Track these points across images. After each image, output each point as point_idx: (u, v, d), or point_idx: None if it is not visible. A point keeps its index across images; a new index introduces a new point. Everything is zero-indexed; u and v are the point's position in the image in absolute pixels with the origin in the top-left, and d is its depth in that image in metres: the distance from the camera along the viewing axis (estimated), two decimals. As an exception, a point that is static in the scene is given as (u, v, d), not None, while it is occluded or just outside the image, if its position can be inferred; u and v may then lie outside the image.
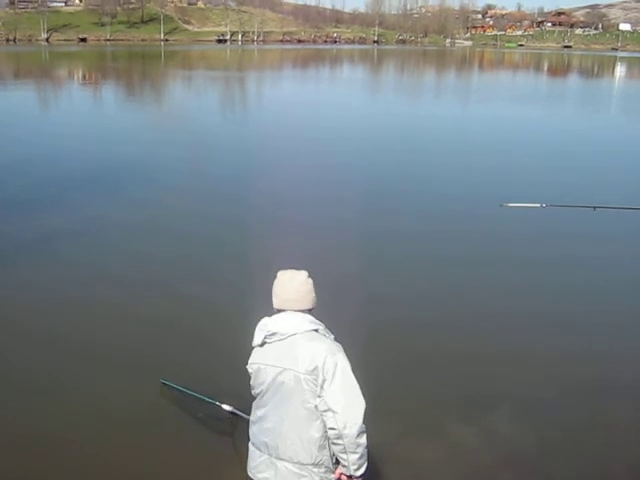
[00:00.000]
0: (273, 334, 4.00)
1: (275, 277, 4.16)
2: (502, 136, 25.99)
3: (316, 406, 3.90)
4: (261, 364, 4.06)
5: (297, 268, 4.20)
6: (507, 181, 17.30)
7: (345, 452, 3.89)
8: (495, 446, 6.24)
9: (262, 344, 4.06)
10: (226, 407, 6.31)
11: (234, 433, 6.12)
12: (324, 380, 3.85)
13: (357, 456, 3.90)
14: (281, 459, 4.02)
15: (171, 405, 6.76)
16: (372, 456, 5.59)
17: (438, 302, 9.54)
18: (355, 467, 3.92)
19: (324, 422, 3.91)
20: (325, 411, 3.87)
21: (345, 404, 3.83)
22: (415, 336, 8.36)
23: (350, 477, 3.98)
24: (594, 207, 11.09)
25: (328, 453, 3.99)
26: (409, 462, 5.99)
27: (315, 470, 3.99)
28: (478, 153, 21.59)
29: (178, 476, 5.80)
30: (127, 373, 7.31)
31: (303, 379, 3.89)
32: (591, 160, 21.50)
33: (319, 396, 3.88)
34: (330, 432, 3.88)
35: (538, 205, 11.10)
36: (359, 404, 3.87)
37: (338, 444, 3.88)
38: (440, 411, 6.76)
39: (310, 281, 4.13)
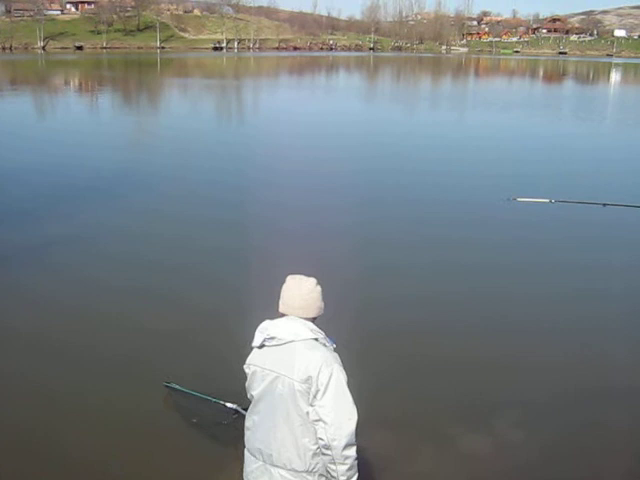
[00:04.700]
0: (272, 338, 3.99)
1: (284, 281, 4.14)
2: (502, 142, 26.12)
3: (308, 413, 3.88)
4: (258, 367, 4.06)
5: (307, 274, 4.17)
6: (514, 182, 17.46)
7: (334, 463, 3.88)
8: (496, 454, 6.22)
9: (261, 346, 4.05)
10: (230, 405, 6.35)
11: (238, 432, 6.02)
12: (317, 390, 3.84)
13: (345, 467, 3.88)
14: (275, 466, 4.01)
15: (174, 407, 6.79)
16: (373, 466, 5.58)
17: (438, 309, 9.52)
18: (344, 478, 3.92)
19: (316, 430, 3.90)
20: (316, 421, 3.87)
21: (335, 416, 3.82)
22: (415, 343, 8.35)
23: None
24: (604, 204, 11.02)
25: (322, 461, 3.96)
26: (411, 471, 5.96)
27: (309, 477, 3.98)
28: (483, 160, 21.69)
29: (181, 476, 5.82)
30: (129, 378, 7.32)
31: (297, 387, 3.88)
32: (590, 164, 21.63)
33: (311, 405, 3.87)
34: (319, 442, 3.89)
35: (547, 200, 11.07)
36: (350, 417, 3.85)
37: (327, 454, 3.88)
38: (441, 419, 6.75)
39: (318, 289, 4.10)
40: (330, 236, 12.50)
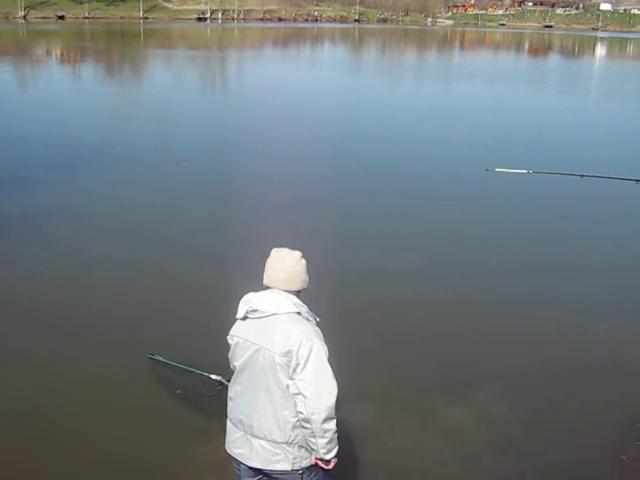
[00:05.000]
0: (254, 311, 4.03)
1: (269, 254, 4.16)
2: (485, 114, 26.14)
3: (288, 386, 3.92)
4: (241, 338, 4.10)
5: (289, 246, 4.20)
6: (494, 153, 17.58)
7: (313, 436, 3.92)
8: (478, 427, 6.29)
9: (244, 318, 4.09)
10: (214, 377, 6.40)
11: (222, 403, 6.09)
12: (297, 364, 3.87)
13: (325, 440, 3.93)
14: (256, 437, 4.06)
15: (159, 378, 6.86)
16: (354, 438, 5.66)
17: (421, 280, 9.59)
18: (324, 451, 3.96)
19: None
20: (296, 394, 3.89)
21: (314, 390, 3.85)
22: (397, 315, 8.45)
23: (322, 460, 4.01)
24: (581, 175, 11.10)
25: (302, 433, 3.99)
26: (392, 444, 6.03)
27: (289, 449, 4.01)
28: (463, 131, 21.67)
29: (166, 447, 5.86)
30: (114, 350, 7.35)
31: (277, 360, 3.91)
32: (571, 137, 21.70)
33: (291, 379, 3.90)
34: (299, 415, 3.91)
35: (525, 171, 11.13)
36: (330, 391, 3.88)
37: (306, 427, 3.91)
38: (422, 392, 6.84)
39: (303, 262, 4.14)
40: (315, 207, 12.57)
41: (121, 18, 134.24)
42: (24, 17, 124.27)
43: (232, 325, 4.21)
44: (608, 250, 10.86)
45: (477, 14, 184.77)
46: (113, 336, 7.65)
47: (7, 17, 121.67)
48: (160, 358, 6.93)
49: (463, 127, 22.53)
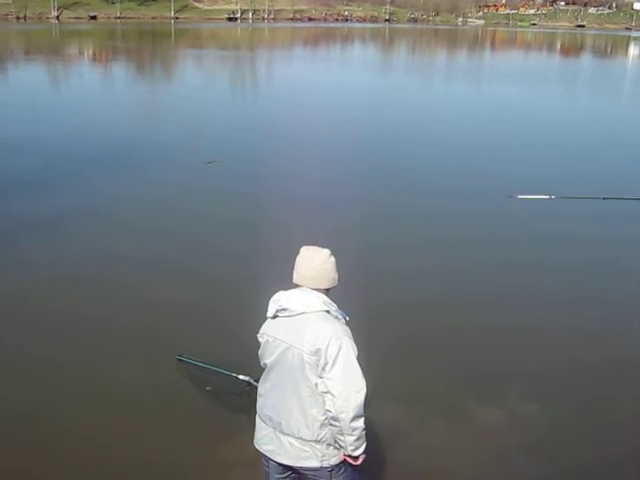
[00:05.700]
0: (284, 309, 4.05)
1: (298, 252, 4.18)
2: (513, 114, 25.93)
3: (317, 385, 3.94)
4: (270, 337, 4.14)
5: (320, 245, 4.21)
6: (519, 154, 17.43)
7: (342, 434, 3.94)
8: (507, 427, 6.27)
9: (274, 317, 4.12)
10: (242, 377, 6.44)
11: (250, 403, 6.13)
12: (326, 363, 3.89)
13: (353, 438, 3.95)
14: (284, 434, 4.09)
15: (188, 379, 6.88)
16: (382, 438, 5.66)
17: (447, 283, 9.55)
18: (352, 448, 3.98)
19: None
20: (324, 393, 3.91)
21: (343, 389, 3.86)
22: (425, 315, 8.45)
23: (351, 457, 4.04)
24: (603, 197, 11.17)
25: (330, 431, 4.01)
26: (420, 444, 6.02)
27: (317, 447, 4.04)
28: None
29: (194, 444, 5.90)
30: (142, 351, 7.39)
31: (306, 359, 3.94)
32: (601, 137, 21.40)
33: (320, 377, 3.92)
34: (327, 414, 3.93)
35: (547, 197, 11.18)
36: (358, 390, 3.89)
37: (335, 425, 3.94)
38: (451, 392, 6.81)
39: (332, 260, 4.14)
40: (342, 208, 12.58)
41: (152, 18, 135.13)
42: (57, 17, 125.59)
43: (262, 324, 4.25)
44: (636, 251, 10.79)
45: (508, 14, 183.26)
46: (141, 337, 7.70)
47: (40, 17, 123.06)
48: (189, 360, 6.98)
49: (490, 127, 22.46)
